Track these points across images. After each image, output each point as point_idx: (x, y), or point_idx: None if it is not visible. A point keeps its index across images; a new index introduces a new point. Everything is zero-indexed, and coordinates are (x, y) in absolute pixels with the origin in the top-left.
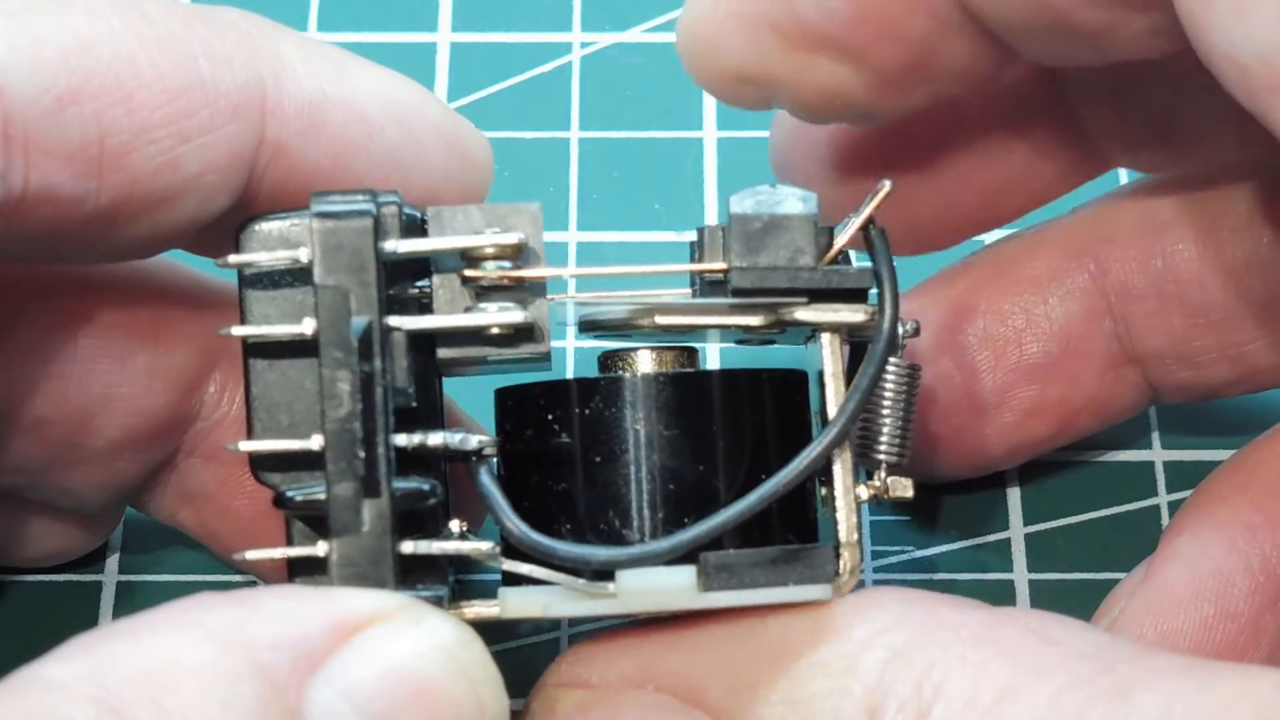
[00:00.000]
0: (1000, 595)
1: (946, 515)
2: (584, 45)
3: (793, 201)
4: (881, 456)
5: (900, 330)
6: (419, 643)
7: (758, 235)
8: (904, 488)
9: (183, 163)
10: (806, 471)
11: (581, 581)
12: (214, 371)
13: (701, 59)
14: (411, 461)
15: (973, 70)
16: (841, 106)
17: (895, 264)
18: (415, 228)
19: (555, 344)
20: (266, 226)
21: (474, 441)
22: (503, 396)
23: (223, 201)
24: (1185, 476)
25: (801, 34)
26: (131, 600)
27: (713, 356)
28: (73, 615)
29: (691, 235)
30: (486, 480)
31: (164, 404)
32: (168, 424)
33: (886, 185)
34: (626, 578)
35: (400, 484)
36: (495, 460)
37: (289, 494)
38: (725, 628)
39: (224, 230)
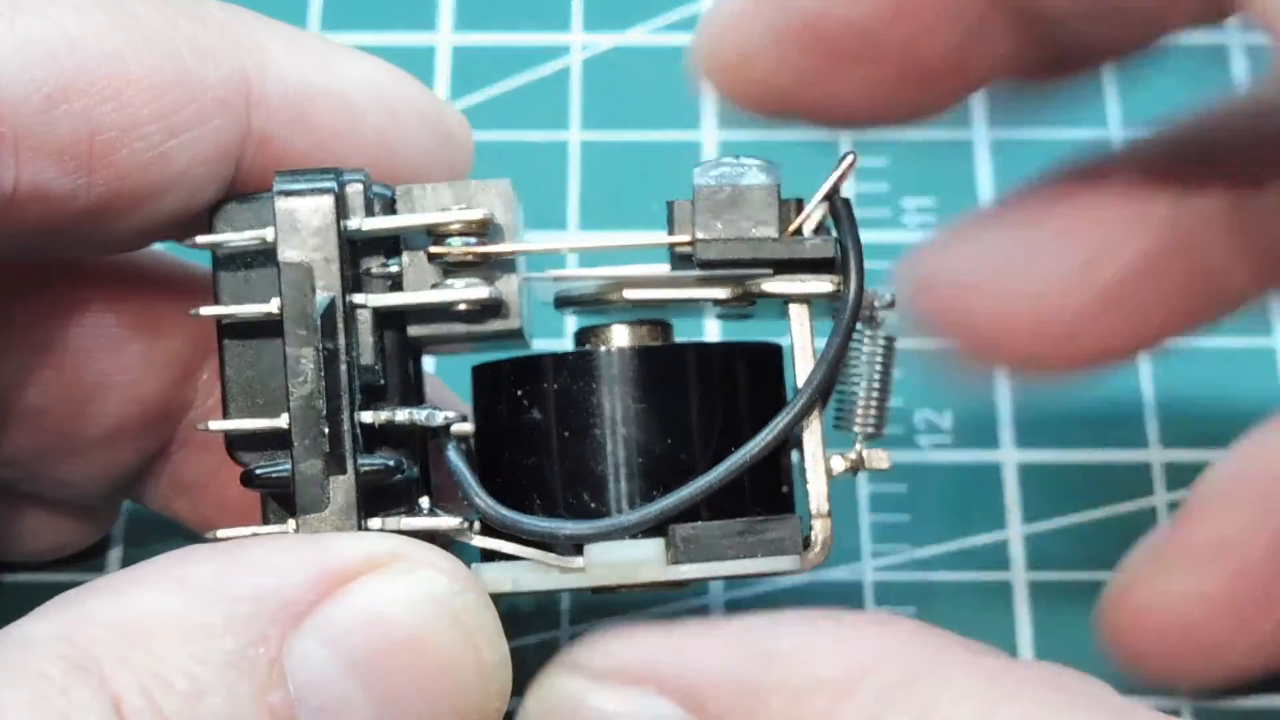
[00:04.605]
0: (1000, 595)
1: (946, 515)
2: (584, 47)
3: (755, 173)
4: (858, 428)
5: (877, 301)
6: (409, 591)
7: (721, 207)
8: (880, 460)
9: (171, 157)
10: (774, 443)
11: (552, 556)
12: (208, 360)
13: (727, 70)
14: (381, 438)
15: (1009, 66)
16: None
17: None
18: (386, 206)
19: (557, 343)
20: (237, 207)
21: (440, 417)
22: (477, 373)
23: (211, 193)
24: (1184, 476)
25: (840, 37)
26: None
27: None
28: None
29: None
30: (453, 456)
31: (158, 392)
32: (162, 412)
33: (851, 156)
34: (595, 551)
35: (367, 460)
36: (470, 437)
37: (256, 471)
38: (736, 637)
39: None
